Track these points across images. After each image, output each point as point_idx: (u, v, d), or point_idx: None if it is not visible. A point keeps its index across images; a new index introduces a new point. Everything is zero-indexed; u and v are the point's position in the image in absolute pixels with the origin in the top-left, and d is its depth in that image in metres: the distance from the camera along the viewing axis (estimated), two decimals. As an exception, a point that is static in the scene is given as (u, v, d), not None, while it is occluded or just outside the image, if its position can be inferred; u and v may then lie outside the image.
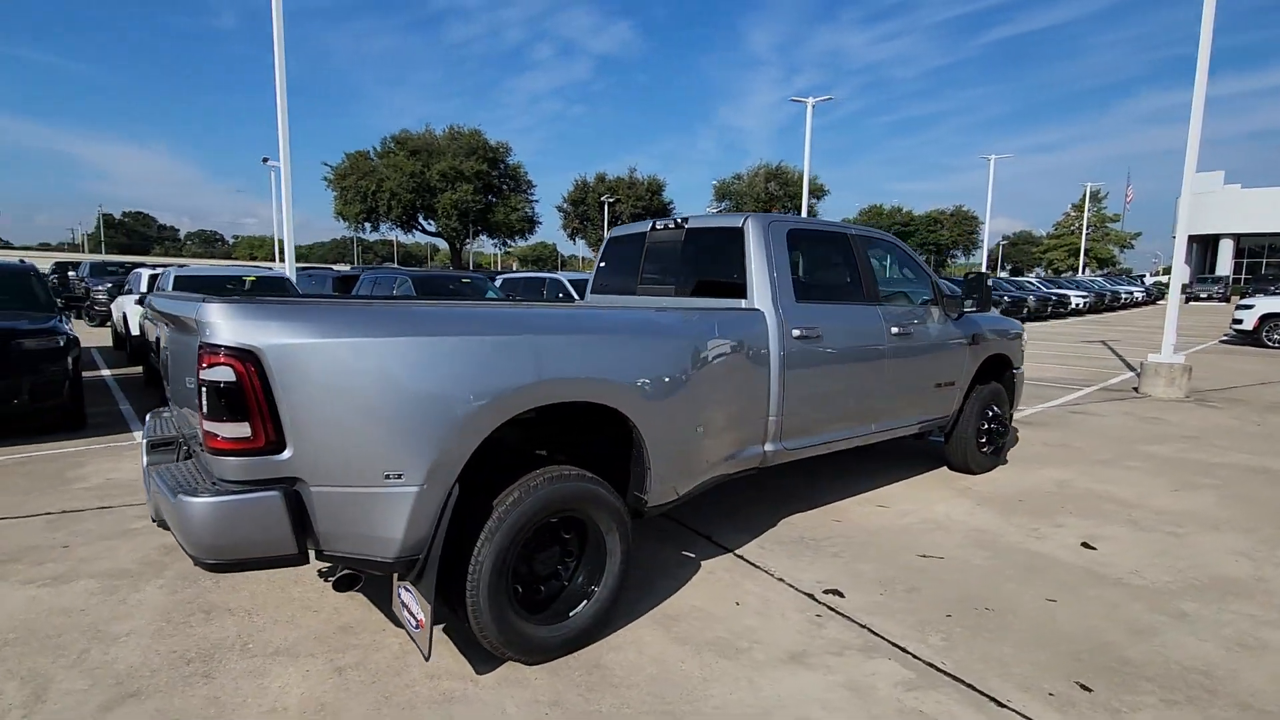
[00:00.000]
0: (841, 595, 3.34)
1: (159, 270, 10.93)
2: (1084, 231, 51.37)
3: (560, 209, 47.88)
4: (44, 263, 22.69)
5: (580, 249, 56.26)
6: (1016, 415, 7.91)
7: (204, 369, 2.15)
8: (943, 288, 4.99)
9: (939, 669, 2.70)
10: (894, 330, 4.42)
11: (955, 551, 3.89)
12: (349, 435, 2.26)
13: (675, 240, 4.40)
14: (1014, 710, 2.44)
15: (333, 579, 2.49)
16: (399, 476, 2.30)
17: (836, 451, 4.29)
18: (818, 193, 50.07)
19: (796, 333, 3.80)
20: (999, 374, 5.63)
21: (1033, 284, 24.78)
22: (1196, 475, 5.41)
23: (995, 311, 6.27)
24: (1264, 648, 2.89)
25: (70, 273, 22.17)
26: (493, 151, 39.09)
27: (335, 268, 24.36)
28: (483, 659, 2.67)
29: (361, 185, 36.26)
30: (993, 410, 5.40)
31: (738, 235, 3.92)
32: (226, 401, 2.14)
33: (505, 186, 40.22)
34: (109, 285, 16.01)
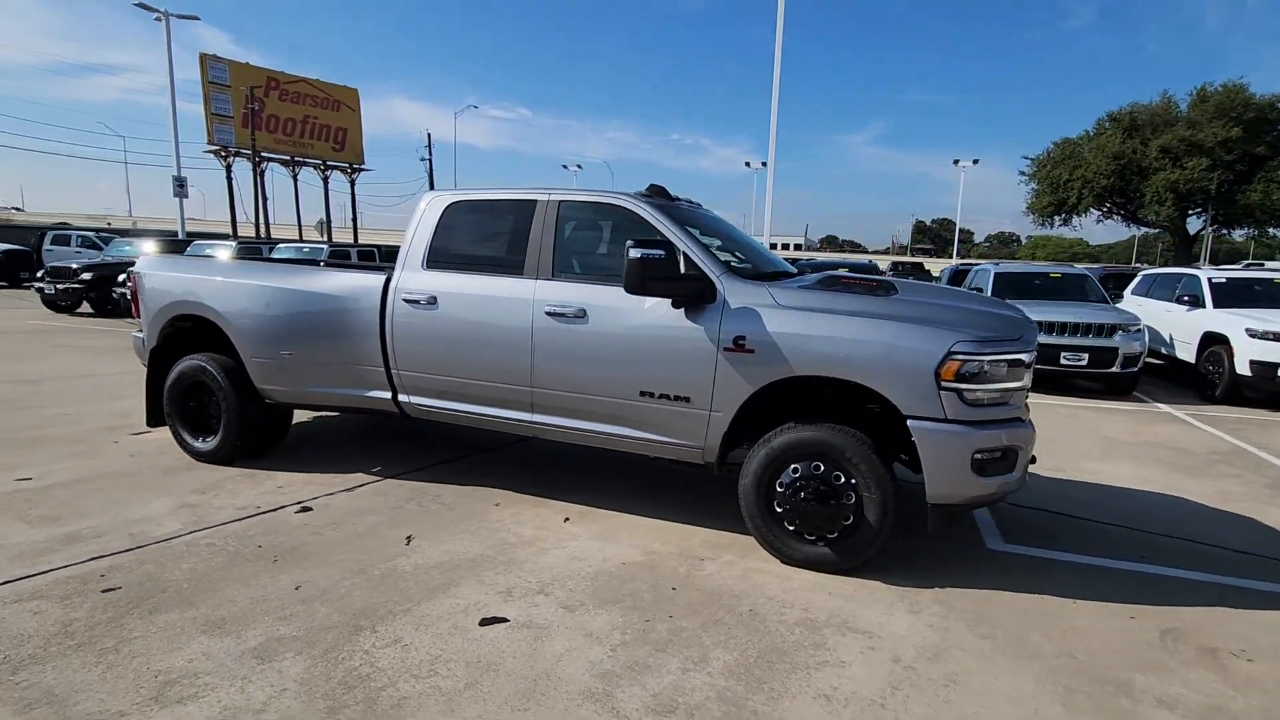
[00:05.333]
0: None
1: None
2: None
3: None
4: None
5: None
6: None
7: (130, 281, 5.34)
8: (707, 271, 3.54)
9: None
10: (546, 310, 3.79)
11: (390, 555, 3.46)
12: (146, 313, 5.02)
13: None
14: None
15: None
16: (141, 333, 4.96)
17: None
18: None
19: (406, 297, 4.16)
20: (866, 417, 3.29)
21: None
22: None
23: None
24: None
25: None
26: (1259, 109, 27.90)
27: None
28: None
29: (1054, 175, 32.66)
30: (806, 468, 3.30)
31: (423, 208, 4.45)
32: (128, 295, 5.27)
33: (1277, 157, 28.19)
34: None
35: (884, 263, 29.38)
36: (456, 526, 3.81)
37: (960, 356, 3.05)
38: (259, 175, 38.50)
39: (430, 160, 50.71)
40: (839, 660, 2.61)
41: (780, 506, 3.39)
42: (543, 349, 3.81)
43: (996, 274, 10.41)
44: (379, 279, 4.31)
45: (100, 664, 2.44)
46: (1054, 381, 9.14)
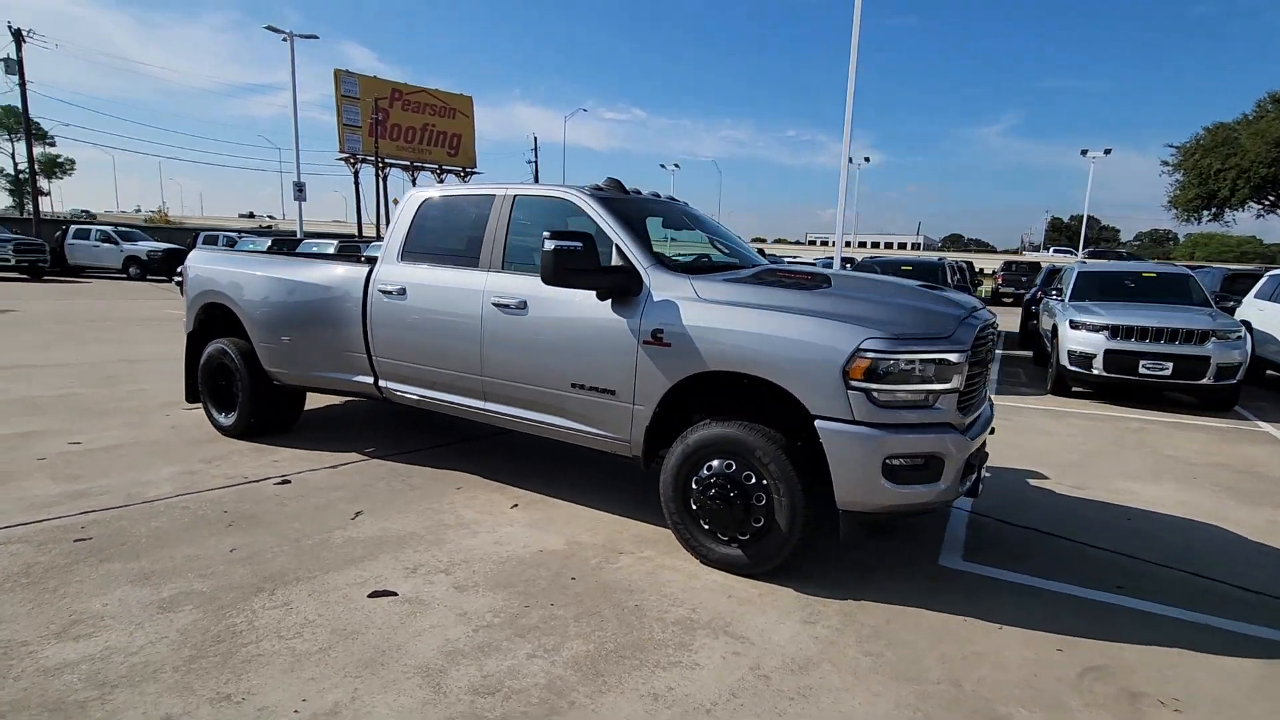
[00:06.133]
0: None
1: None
2: None
3: None
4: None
5: None
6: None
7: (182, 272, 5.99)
8: (635, 263, 3.53)
9: None
10: (494, 301, 3.90)
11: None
12: (187, 300, 5.63)
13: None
14: None
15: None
16: (184, 322, 5.56)
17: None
18: None
19: (381, 288, 4.42)
20: (786, 421, 3.14)
21: None
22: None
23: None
24: None
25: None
26: None
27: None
28: (227, 425, 5.51)
29: (1203, 164, 28.80)
30: (719, 466, 3.20)
31: (409, 205, 4.70)
32: (186, 281, 5.90)
33: None
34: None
35: (995, 263, 27.36)
36: (408, 506, 4.00)
37: (870, 354, 2.85)
38: (383, 180, 41.58)
39: (536, 163, 52.82)
40: (693, 663, 2.53)
41: (695, 504, 3.31)
42: (490, 339, 3.92)
43: (1079, 274, 9.45)
44: (363, 270, 4.59)
45: (35, 601, 2.79)
46: (1141, 393, 8.19)
